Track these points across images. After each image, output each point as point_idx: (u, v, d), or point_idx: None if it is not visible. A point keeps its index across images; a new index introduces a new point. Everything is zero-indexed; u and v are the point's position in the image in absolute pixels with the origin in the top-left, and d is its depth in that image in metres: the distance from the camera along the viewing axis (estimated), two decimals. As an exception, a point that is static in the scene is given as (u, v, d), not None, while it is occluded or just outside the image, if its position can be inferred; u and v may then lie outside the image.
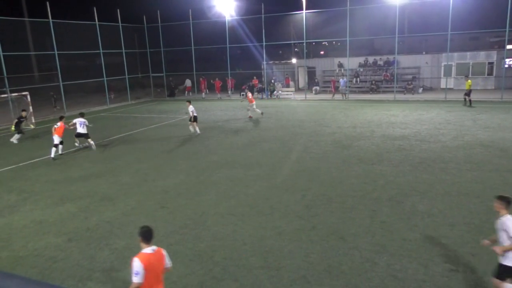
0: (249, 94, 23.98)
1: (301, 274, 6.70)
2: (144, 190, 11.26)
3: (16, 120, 17.49)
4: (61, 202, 10.62)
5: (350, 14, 29.12)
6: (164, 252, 5.06)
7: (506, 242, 5.38)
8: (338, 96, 30.77)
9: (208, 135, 18.68)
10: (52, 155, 15.13)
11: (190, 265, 7.15)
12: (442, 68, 31.32)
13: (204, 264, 7.16)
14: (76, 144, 16.88)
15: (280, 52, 46.88)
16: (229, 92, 35.08)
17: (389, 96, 29.51)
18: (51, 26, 26.70)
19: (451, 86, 30.49)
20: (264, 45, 32.76)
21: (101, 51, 30.83)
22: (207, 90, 36.26)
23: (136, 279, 4.64)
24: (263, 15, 31.71)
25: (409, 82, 31.27)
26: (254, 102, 23.46)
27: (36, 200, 10.87)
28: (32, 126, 22.70)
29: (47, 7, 26.31)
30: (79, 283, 6.75)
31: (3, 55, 23.71)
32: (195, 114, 18.71)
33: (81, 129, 16.36)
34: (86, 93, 35.69)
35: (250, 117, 23.05)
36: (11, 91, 23.59)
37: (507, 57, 29.15)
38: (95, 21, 30.09)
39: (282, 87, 35.58)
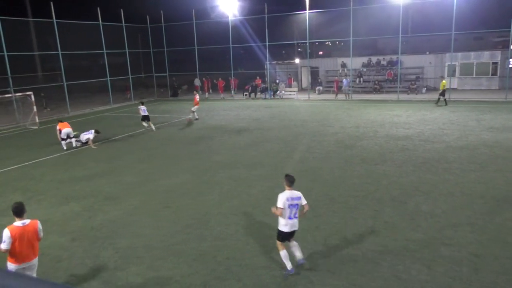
0: (196, 96, 23.27)
1: (304, 274, 6.70)
2: (147, 190, 11.30)
3: (72, 136, 17.54)
4: (65, 201, 10.67)
5: (353, 14, 29.09)
6: (38, 225, 6.04)
7: None
8: (341, 96, 30.75)
9: (211, 135, 18.71)
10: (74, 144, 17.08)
11: (193, 265, 7.17)
12: (446, 68, 31.23)
13: (207, 264, 7.18)
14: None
15: (283, 52, 46.86)
16: (232, 92, 35.10)
17: (393, 96, 29.46)
18: (55, 26, 26.81)
19: (455, 86, 30.41)
20: (267, 45, 32.77)
21: (105, 51, 30.91)
22: (211, 90, 36.31)
23: (3, 246, 5.71)
24: (266, 15, 31.73)
25: (413, 82, 31.20)
26: (197, 106, 23.11)
27: (40, 199, 10.93)
28: (36, 127, 22.78)
29: (51, 7, 26.43)
30: (84, 282, 6.79)
31: (7, 55, 23.83)
32: (145, 114, 20.43)
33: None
34: (90, 93, 35.79)
35: (189, 120, 22.89)
36: (15, 91, 23.70)
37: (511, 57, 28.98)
38: (98, 21, 30.19)
39: (285, 87, 35.58)
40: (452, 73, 29.73)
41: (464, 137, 15.94)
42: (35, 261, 6.10)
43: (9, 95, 23.28)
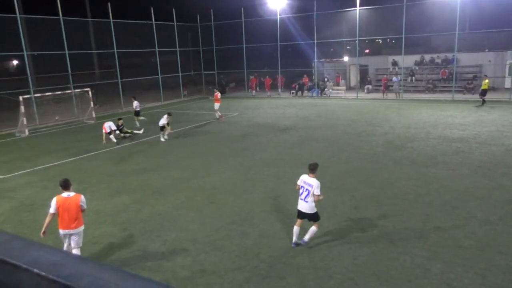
0: (217, 94, 23.26)
1: (349, 276, 6.57)
2: (193, 186, 11.56)
3: (115, 129, 18.60)
4: (116, 193, 11.17)
5: (406, 10, 28.03)
6: (80, 198, 7.02)
7: None
8: (391, 96, 29.76)
9: (257, 132, 18.81)
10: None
11: (236, 260, 7.25)
12: (507, 66, 29.29)
13: (250, 260, 7.23)
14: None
15: (332, 49, 46.07)
16: (279, 90, 35.07)
17: (447, 96, 28.09)
18: (112, 26, 28.14)
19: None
20: (315, 43, 32.40)
21: (157, 49, 32.00)
22: (258, 88, 36.52)
23: (50, 210, 6.91)
24: (315, 13, 31.37)
25: (469, 82, 29.57)
26: (219, 103, 22.92)
27: (93, 191, 11.51)
28: (92, 122, 24.02)
29: (108, 7, 27.74)
30: (133, 271, 7.06)
31: (68, 53, 25.32)
32: (137, 109, 21.19)
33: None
34: (142, 90, 37.17)
35: (221, 117, 22.94)
36: (74, 88, 25.18)
37: None
38: (152, 20, 31.27)
39: (333, 85, 35.03)
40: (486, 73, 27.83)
41: (526, 140, 14.90)
42: (77, 230, 6.99)
43: (69, 91, 24.77)
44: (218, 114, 23.08)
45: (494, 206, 9.12)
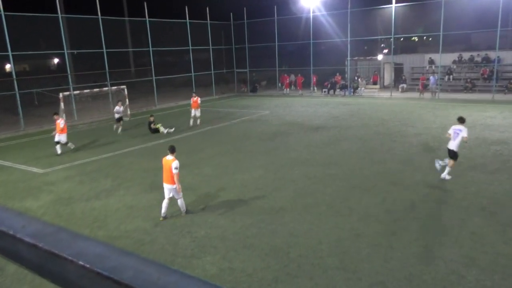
0: (197, 99, 20.93)
1: (379, 279, 6.46)
2: (224, 183, 11.67)
3: (148, 126, 19.42)
4: (150, 189, 11.44)
5: (445, 6, 27.12)
6: (172, 163, 9.04)
7: None
8: (427, 95, 28.90)
9: (288, 131, 18.75)
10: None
11: (265, 259, 7.27)
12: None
13: (279, 259, 7.23)
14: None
15: (366, 47, 45.22)
16: (311, 88, 34.80)
17: (487, 96, 26.97)
18: (147, 25, 28.80)
19: None
20: (348, 40, 31.90)
21: (190, 47, 32.48)
22: (293, 86, 36.42)
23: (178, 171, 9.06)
24: (349, 10, 30.88)
25: (511, 81, 28.26)
26: (197, 109, 20.79)
27: (128, 186, 11.84)
28: (127, 118, 24.68)
29: (144, 7, 28.41)
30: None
31: (106, 51, 26.12)
32: (120, 115, 20.05)
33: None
34: (174, 88, 37.84)
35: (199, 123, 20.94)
36: (111, 85, 25.98)
37: None
38: (186, 19, 31.76)
39: (367, 84, 34.39)
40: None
41: None
42: (171, 186, 9.05)
43: (106, 88, 25.57)
44: (198, 121, 21.00)
45: (536, 212, 8.70)
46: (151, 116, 19.83)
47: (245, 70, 38.16)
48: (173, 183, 9.00)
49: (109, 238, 8.38)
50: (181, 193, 9.32)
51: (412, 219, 8.63)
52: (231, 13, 37.24)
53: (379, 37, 38.02)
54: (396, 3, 29.21)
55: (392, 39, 31.41)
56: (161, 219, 9.22)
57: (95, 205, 10.42)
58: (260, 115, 24.04)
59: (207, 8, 33.75)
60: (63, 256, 0.69)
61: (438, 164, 11.18)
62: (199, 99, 21.23)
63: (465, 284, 6.21)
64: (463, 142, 10.85)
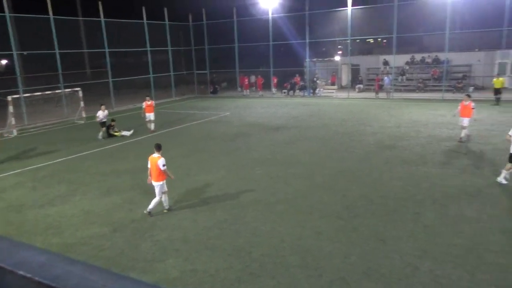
0: (151, 102, 19.65)
1: (340, 275, 6.62)
2: (186, 184, 11.53)
3: (106, 128, 18.69)
4: (108, 193, 11.11)
5: (398, 9, 28.22)
6: (158, 160, 9.19)
7: None
8: (382, 95, 29.96)
9: (249, 132, 18.82)
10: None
11: (228, 259, 7.26)
12: (496, 66, 29.63)
13: (242, 259, 7.24)
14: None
15: (324, 49, 46.18)
16: (272, 90, 35.11)
17: (437, 95, 28.33)
18: (103, 25, 27.93)
19: (506, 85, 28.75)
20: (307, 42, 32.47)
21: (148, 48, 31.84)
22: (255, 87, 36.53)
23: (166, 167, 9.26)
24: (307, 12, 31.43)
25: (459, 81, 29.86)
26: (151, 113, 19.35)
27: (84, 191, 11.44)
28: (82, 121, 23.82)
29: (99, 6, 27.52)
30: (123, 272, 7.04)
31: (59, 52, 25.08)
32: (103, 120, 18.61)
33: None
34: (136, 89, 36.94)
35: (153, 131, 19.38)
36: (65, 87, 24.96)
37: None
38: (143, 19, 31.09)
39: (326, 84, 35.12)
40: (502, 72, 28.13)
41: (515, 139, 15.07)
42: (157, 184, 9.19)
43: (59, 91, 24.54)
44: (152, 125, 19.68)
45: (485, 204, 9.24)
46: (113, 120, 19.29)
47: (205, 72, 37.91)
48: (160, 180, 9.20)
49: (65, 246, 8.06)
50: (165, 188, 9.46)
51: (371, 215, 8.91)
52: (190, 14, 36.90)
53: (337, 39, 38.90)
54: (352, 6, 30.04)
55: (349, 41, 32.29)
56: (165, 211, 9.59)
57: (49, 211, 9.98)
58: (221, 116, 23.97)
59: (165, 9, 33.26)
60: (1, 266, 0.66)
61: (504, 180, 10.42)
62: (153, 102, 20.19)
63: (419, 275, 6.49)
64: None
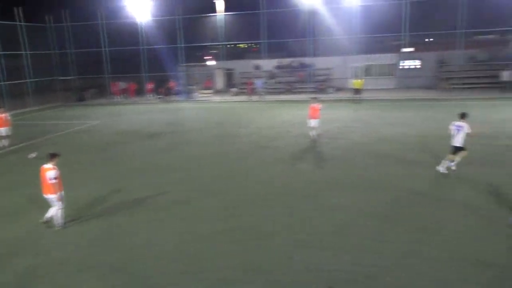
0: (2, 115, 17.14)
1: (222, 275, 6.71)
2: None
3: None
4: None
5: (266, 16, 29.97)
6: (45, 172, 8.45)
7: None
8: (255, 97, 31.38)
9: (123, 140, 17.94)
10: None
11: (106, 278, 6.79)
12: (350, 69, 33.48)
13: (120, 275, 6.85)
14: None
15: (199, 54, 46.51)
16: (148, 95, 34.03)
17: (303, 97, 30.75)
18: None
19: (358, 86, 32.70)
20: (182, 46, 32.32)
21: (-1, 52, 28.06)
22: (127, 94, 34.87)
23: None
24: (178, 17, 31.27)
25: (321, 83, 32.94)
26: (5, 127, 16.98)
27: None
28: None
29: None
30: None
31: None
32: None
33: None
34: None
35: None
36: None
37: (404, 59, 32.50)
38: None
39: (200, 89, 35.39)
40: (358, 74, 31.90)
41: (367, 134, 17.21)
42: (48, 197, 8.51)
43: None
44: (6, 142, 17.36)
45: (344, 190, 10.33)
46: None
47: (71, 78, 34.93)
48: (50, 193, 8.45)
49: None
50: (61, 204, 8.67)
51: (250, 214, 9.22)
52: (50, 15, 33.64)
53: (210, 43, 39.54)
54: (224, 12, 30.91)
55: (222, 46, 33.07)
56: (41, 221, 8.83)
57: None
58: (90, 125, 22.35)
59: (19, 8, 29.70)
60: None
61: (442, 168, 11.22)
62: (7, 115, 17.76)
63: (293, 265, 6.96)
64: (468, 137, 10.84)
